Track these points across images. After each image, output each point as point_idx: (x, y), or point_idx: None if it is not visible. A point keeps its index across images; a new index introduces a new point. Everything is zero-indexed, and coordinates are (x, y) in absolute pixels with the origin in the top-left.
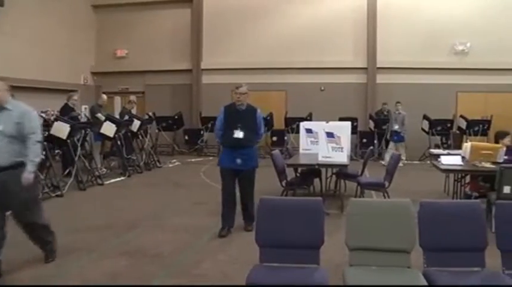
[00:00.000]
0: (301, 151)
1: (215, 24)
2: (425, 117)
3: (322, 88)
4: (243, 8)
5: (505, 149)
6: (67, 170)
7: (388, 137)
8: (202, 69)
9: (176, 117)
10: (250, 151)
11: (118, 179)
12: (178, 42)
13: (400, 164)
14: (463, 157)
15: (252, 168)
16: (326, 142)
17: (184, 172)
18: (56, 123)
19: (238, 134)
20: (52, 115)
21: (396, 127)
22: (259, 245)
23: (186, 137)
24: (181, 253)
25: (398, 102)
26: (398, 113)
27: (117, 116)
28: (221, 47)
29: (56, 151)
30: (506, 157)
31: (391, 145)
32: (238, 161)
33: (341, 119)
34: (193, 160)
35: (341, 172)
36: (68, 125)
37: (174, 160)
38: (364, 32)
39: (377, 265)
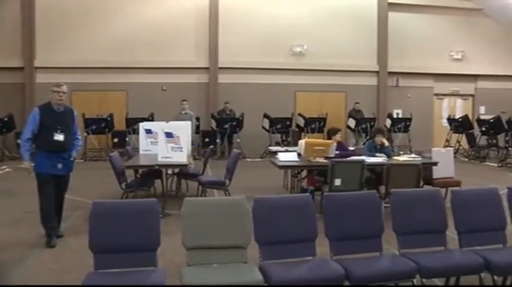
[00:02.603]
0: (141, 151)
1: (51, 20)
2: (265, 115)
3: (164, 88)
4: (82, 5)
5: (335, 144)
6: None
7: None
8: (36, 68)
9: (6, 119)
10: (69, 154)
11: None
12: (6, 38)
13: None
14: (298, 154)
15: (70, 171)
16: (165, 142)
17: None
18: None
19: (59, 136)
20: None
21: None
22: (94, 252)
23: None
24: (12, 270)
25: (184, 100)
26: (185, 114)
27: None
28: (58, 44)
29: None
30: (337, 152)
31: None
32: (60, 165)
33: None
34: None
35: (182, 171)
36: None
37: (4, 167)
38: (206, 32)
39: (215, 263)
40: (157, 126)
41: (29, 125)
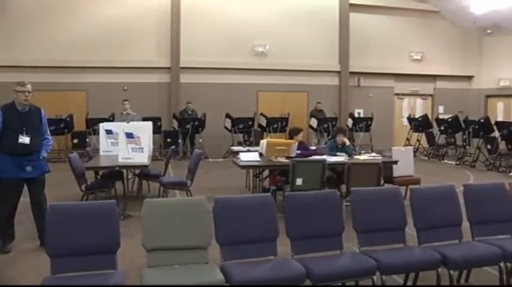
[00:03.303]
0: (101, 152)
1: (4, 16)
2: (227, 115)
3: (125, 88)
4: (41, 3)
5: (297, 144)
6: None
7: None
8: None
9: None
10: (37, 155)
11: None
12: None
13: None
14: (260, 153)
15: (45, 172)
16: (126, 143)
17: None
18: None
19: (24, 139)
20: None
21: None
22: (50, 256)
23: None
24: None
25: (125, 100)
26: (126, 114)
27: None
28: (16, 42)
29: None
30: (298, 151)
31: None
32: (29, 168)
33: (144, 119)
34: None
35: (143, 172)
36: None
37: None
38: (168, 32)
39: (176, 264)
40: (118, 126)
41: None
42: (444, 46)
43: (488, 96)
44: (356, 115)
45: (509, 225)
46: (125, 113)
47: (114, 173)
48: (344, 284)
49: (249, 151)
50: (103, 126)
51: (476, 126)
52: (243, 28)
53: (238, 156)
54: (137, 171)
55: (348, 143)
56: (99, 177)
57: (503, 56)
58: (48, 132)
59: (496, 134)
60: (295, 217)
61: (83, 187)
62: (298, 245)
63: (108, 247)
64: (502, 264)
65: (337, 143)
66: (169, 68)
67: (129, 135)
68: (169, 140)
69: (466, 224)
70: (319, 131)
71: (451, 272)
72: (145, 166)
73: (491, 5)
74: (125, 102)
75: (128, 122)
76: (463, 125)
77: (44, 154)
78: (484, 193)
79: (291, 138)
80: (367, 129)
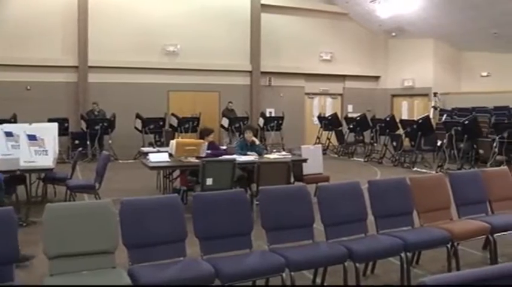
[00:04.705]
0: (0, 156)
1: None
2: (138, 116)
3: (29, 87)
4: None
5: (207, 144)
6: None
7: None
8: None
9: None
10: None
11: None
12: None
13: None
14: (170, 154)
15: None
16: (28, 145)
17: None
18: None
19: None
20: None
21: None
22: None
23: None
24: None
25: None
26: None
27: None
28: None
29: None
30: (209, 151)
31: None
32: None
33: (50, 120)
34: None
35: (48, 176)
36: None
37: None
38: (75, 30)
39: (82, 270)
40: (19, 128)
41: None
42: (353, 47)
43: (393, 96)
44: (267, 114)
45: (409, 217)
46: None
47: (16, 178)
48: (254, 282)
49: (159, 151)
50: (2, 128)
51: (383, 125)
52: (153, 27)
53: (147, 157)
54: (42, 175)
55: (257, 142)
56: None
57: (407, 57)
58: None
59: (401, 131)
60: (204, 217)
61: None
62: (208, 245)
63: (5, 257)
64: (403, 254)
65: (246, 141)
66: (76, 67)
67: (32, 138)
68: (77, 141)
69: (371, 218)
70: (231, 130)
71: (357, 265)
72: (50, 169)
73: (396, 9)
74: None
75: None
76: (371, 124)
77: None
78: (387, 188)
79: (201, 139)
80: (278, 128)
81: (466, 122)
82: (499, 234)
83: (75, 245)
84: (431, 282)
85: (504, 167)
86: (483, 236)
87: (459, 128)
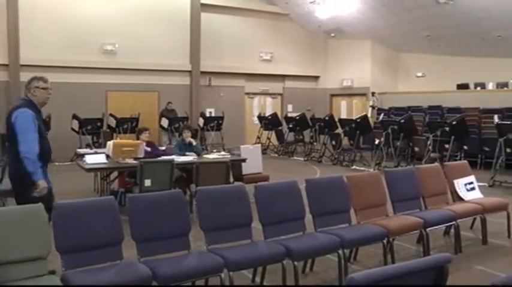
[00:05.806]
0: None
1: None
2: (74, 116)
3: None
4: None
5: (145, 144)
6: None
7: None
8: None
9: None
10: None
11: None
12: None
13: None
14: (107, 155)
15: None
16: None
17: None
18: None
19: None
20: None
21: None
22: None
23: None
24: None
25: None
26: None
27: None
28: None
29: None
30: (148, 149)
31: None
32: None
33: None
34: None
35: None
36: None
37: None
38: (4, 27)
39: (14, 279)
40: None
41: (32, 132)
42: (293, 47)
43: (332, 95)
44: (207, 114)
45: (346, 215)
46: None
47: None
48: (194, 283)
49: (96, 152)
50: None
51: (322, 124)
52: (91, 25)
53: (84, 159)
54: None
55: (194, 142)
56: None
57: (346, 58)
58: None
59: (340, 130)
60: (141, 219)
61: None
62: (145, 247)
63: None
64: (340, 251)
65: (184, 141)
66: (7, 65)
67: None
68: (7, 144)
69: (309, 216)
70: (170, 131)
71: (296, 263)
72: None
73: (334, 10)
74: None
75: None
76: (310, 123)
77: None
78: (324, 186)
79: (137, 139)
80: (218, 128)
81: (402, 121)
82: (431, 228)
83: (4, 253)
84: (359, 277)
85: (436, 164)
86: (417, 231)
87: (396, 127)
